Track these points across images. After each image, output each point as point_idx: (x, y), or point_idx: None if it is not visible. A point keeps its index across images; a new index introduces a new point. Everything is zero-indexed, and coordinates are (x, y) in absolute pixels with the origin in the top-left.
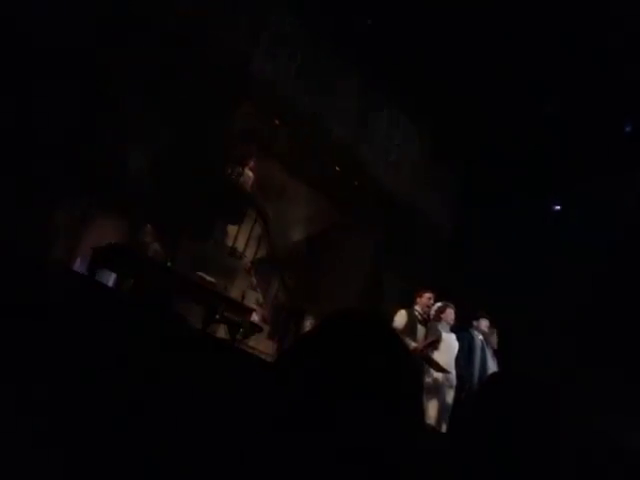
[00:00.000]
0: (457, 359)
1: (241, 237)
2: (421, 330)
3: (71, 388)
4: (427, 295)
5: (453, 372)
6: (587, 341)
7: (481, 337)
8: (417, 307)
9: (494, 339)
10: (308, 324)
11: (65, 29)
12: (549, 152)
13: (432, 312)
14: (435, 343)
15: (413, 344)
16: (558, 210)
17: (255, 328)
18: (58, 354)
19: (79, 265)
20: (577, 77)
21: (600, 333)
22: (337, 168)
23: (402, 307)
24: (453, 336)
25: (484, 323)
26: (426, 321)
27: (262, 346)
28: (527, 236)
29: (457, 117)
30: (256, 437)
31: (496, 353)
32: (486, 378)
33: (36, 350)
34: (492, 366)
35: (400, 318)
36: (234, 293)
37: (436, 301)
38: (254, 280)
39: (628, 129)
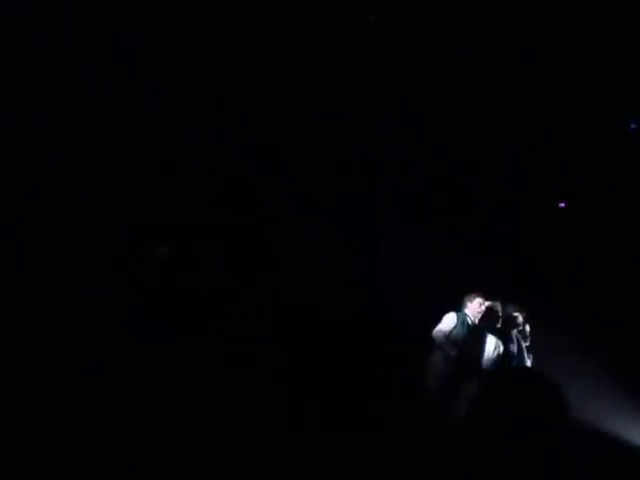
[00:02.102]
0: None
1: None
2: (470, 335)
3: None
4: (478, 300)
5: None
6: None
7: (515, 332)
8: (468, 311)
9: (527, 333)
10: None
11: None
12: None
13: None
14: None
15: (454, 352)
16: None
17: None
18: None
19: None
20: None
21: None
22: None
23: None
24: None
25: (517, 318)
26: (477, 327)
27: None
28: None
29: None
30: None
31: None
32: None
33: None
34: (529, 362)
35: (449, 321)
36: None
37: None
38: None
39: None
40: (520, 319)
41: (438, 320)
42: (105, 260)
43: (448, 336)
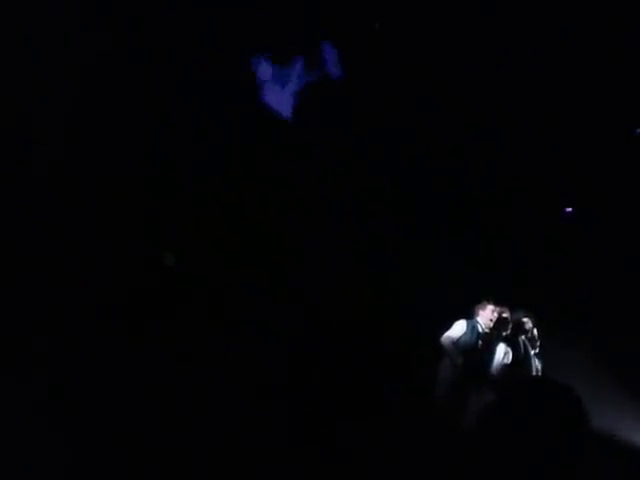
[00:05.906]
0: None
1: None
2: (480, 342)
3: None
4: (490, 308)
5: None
6: None
7: (523, 338)
8: (479, 319)
9: (535, 338)
10: None
11: None
12: None
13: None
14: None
15: (460, 359)
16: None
17: None
18: None
19: None
20: None
21: None
22: None
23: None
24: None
25: (526, 324)
26: (487, 334)
27: None
28: None
29: None
30: None
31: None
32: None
33: None
34: (538, 368)
35: (458, 328)
36: None
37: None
38: None
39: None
40: (529, 325)
41: (448, 327)
42: (104, 260)
43: (456, 343)
